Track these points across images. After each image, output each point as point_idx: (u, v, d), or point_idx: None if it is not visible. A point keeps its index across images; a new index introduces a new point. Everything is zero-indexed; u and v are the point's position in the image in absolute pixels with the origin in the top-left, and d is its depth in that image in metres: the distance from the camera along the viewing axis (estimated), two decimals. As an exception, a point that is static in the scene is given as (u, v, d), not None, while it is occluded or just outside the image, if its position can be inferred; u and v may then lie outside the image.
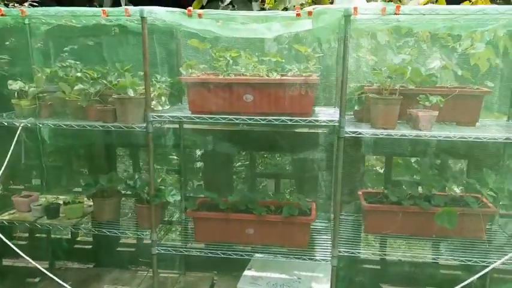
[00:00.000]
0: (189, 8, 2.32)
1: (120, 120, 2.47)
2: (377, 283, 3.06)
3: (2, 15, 2.43)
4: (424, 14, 2.10)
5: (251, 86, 2.37)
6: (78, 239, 3.53)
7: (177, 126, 2.98)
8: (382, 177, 3.14)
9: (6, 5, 3.21)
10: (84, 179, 2.77)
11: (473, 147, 2.65)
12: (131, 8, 2.26)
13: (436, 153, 2.78)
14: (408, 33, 2.72)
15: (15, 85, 2.60)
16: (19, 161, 2.84)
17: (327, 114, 2.52)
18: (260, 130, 2.98)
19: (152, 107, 2.47)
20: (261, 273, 2.68)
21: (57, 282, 2.38)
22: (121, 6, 3.55)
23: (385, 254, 2.83)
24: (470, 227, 2.47)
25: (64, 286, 2.43)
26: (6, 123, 2.56)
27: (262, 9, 3.94)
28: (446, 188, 2.57)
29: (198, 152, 3.45)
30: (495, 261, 2.16)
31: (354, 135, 2.26)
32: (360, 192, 2.74)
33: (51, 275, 2.36)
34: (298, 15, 2.21)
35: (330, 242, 2.56)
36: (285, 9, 3.71)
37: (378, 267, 3.12)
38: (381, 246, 2.81)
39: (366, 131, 2.28)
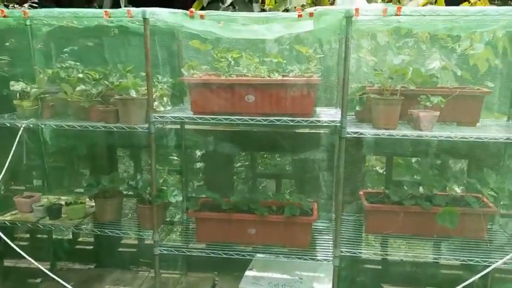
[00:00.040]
0: (191, 9, 2.33)
1: (122, 121, 2.48)
2: (378, 283, 3.06)
3: (4, 16, 2.43)
4: (424, 15, 2.11)
5: (253, 86, 2.38)
6: (80, 239, 3.53)
7: (178, 127, 2.99)
8: (383, 178, 3.16)
9: (7, 6, 3.21)
10: (86, 180, 2.79)
11: (474, 147, 2.66)
12: (133, 10, 2.27)
13: (436, 153, 2.78)
14: (408, 34, 2.73)
15: (17, 86, 2.61)
16: (21, 162, 2.83)
17: (328, 114, 2.52)
18: (261, 130, 2.98)
19: (154, 107, 2.48)
20: (263, 274, 2.68)
21: (58, 282, 2.38)
22: (120, 7, 3.55)
23: (386, 254, 2.84)
24: (471, 227, 2.47)
25: (66, 287, 2.43)
26: (8, 124, 2.56)
27: (263, 10, 3.94)
28: (447, 188, 2.58)
29: (200, 153, 3.46)
30: (496, 261, 2.17)
31: (355, 135, 2.27)
32: (361, 192, 2.75)
33: (53, 276, 2.35)
34: (300, 16, 2.22)
35: (331, 242, 2.57)
36: (286, 10, 3.72)
37: (380, 267, 3.12)
38: (382, 246, 2.82)
39: (368, 132, 2.29)
